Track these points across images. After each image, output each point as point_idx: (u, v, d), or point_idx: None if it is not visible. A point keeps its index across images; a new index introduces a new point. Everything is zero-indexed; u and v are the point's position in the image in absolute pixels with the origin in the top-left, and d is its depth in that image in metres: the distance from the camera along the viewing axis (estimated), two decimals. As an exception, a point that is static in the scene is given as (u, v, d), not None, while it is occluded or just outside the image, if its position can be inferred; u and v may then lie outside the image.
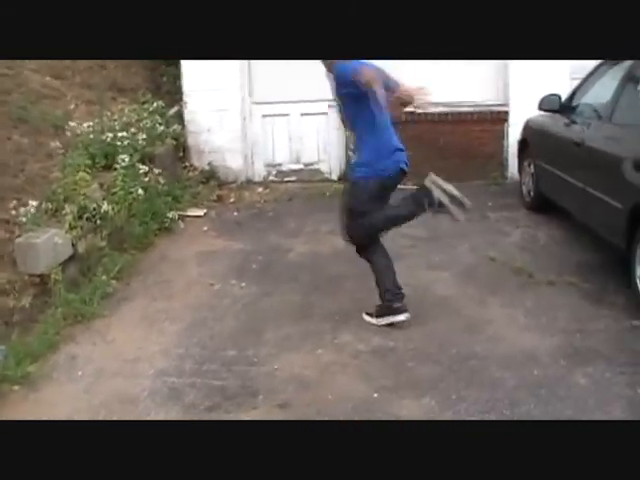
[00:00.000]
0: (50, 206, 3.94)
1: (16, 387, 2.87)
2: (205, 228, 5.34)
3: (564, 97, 4.82)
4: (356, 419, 2.59)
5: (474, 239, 4.82)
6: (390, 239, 3.66)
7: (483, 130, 6.42)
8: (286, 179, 6.82)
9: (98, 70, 6.37)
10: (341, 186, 6.91)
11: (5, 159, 4.30)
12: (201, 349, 3.23)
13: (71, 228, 3.85)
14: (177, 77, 6.54)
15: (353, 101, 3.01)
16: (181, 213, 5.44)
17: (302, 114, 6.54)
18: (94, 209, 4.15)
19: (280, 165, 6.84)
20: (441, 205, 3.21)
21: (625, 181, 3.50)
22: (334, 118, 5.77)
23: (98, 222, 4.18)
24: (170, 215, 5.17)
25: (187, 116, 6.48)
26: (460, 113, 6.36)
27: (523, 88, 6.04)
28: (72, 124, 5.06)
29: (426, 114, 6.09)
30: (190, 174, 6.35)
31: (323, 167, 6.88)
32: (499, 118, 6.40)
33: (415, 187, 3.34)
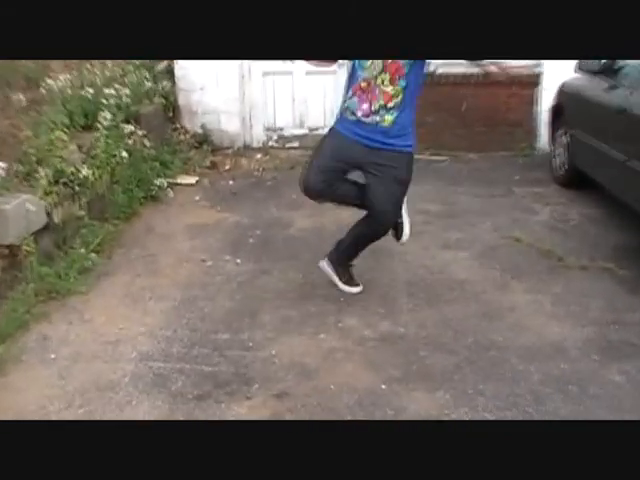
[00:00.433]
0: (21, 169, 3.88)
1: (-19, 370, 2.87)
2: (197, 198, 5.33)
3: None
4: (361, 412, 2.59)
5: (497, 217, 4.80)
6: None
7: (511, 94, 6.33)
8: (288, 145, 6.78)
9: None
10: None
11: (-31, 114, 4.27)
12: (190, 331, 3.23)
13: (45, 194, 3.81)
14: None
15: (421, 70, 3.05)
16: (170, 180, 5.43)
17: (307, 73, 6.38)
18: (72, 173, 4.11)
19: (282, 130, 6.80)
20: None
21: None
22: (343, 78, 5.71)
23: (76, 188, 4.14)
24: (157, 182, 5.15)
25: (178, 72, 6.41)
26: (486, 75, 6.27)
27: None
28: (47, 78, 5.01)
29: (447, 75, 6.04)
30: (181, 137, 6.32)
31: (329, 133, 6.81)
32: (530, 81, 6.30)
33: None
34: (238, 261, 4.09)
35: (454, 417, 2.56)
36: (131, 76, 5.66)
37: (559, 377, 2.83)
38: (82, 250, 3.94)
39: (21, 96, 4.65)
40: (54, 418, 2.55)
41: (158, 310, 3.45)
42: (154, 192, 5.09)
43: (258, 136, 6.79)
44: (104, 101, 4.91)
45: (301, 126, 6.76)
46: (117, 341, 3.14)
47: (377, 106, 3.06)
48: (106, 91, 5.03)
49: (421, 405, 2.64)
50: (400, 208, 3.37)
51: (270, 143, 6.80)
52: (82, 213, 4.20)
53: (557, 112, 5.54)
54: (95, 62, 5.68)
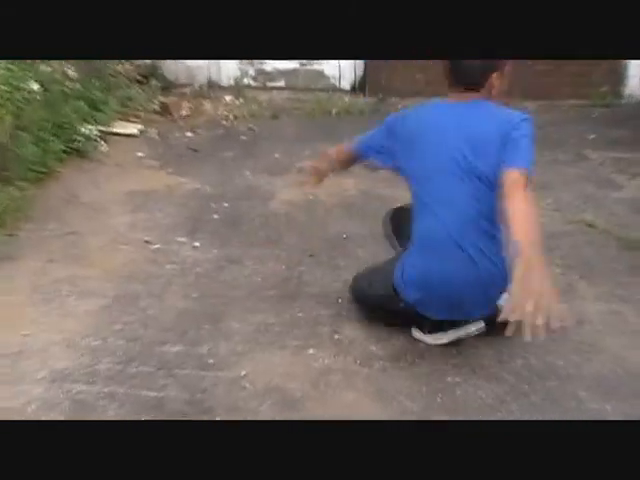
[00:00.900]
0: None
1: None
2: (140, 154, 5.31)
3: None
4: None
5: (562, 192, 4.80)
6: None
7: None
8: (270, 84, 6.77)
9: None
10: (356, 100, 6.98)
11: None
12: (127, 341, 3.23)
13: None
14: None
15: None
16: (103, 129, 5.42)
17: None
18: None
19: (261, 62, 6.77)
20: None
21: None
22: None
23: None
24: (84, 130, 5.13)
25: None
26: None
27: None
28: None
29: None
30: (119, 68, 6.28)
31: (329, 69, 6.83)
32: None
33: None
34: (197, 244, 4.09)
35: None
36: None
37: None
38: (-27, 223, 3.93)
39: None
40: None
41: (81, 311, 3.44)
42: (79, 144, 5.08)
43: (228, 70, 6.78)
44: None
45: (289, 57, 6.74)
46: (19, 353, 3.13)
47: None
48: None
49: (448, 451, 2.64)
50: None
51: (245, 81, 6.78)
52: (-26, 170, 4.18)
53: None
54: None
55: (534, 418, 2.80)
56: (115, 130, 5.56)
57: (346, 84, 6.82)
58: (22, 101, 4.55)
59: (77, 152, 5.07)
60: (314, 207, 4.56)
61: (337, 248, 4.09)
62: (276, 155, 5.36)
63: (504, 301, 2.82)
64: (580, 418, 2.81)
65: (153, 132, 5.70)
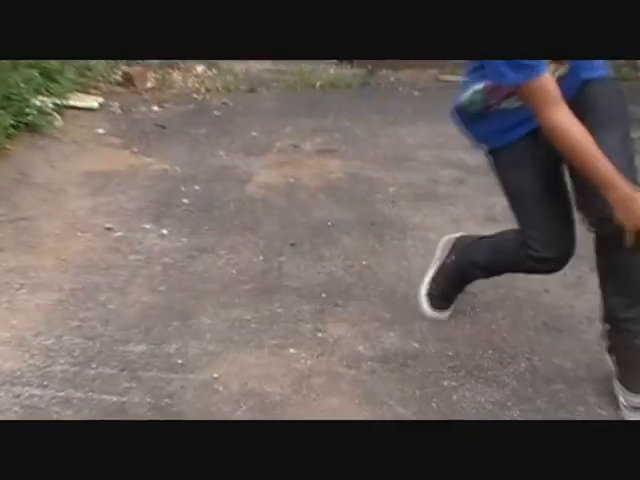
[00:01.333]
0: None
1: None
2: (101, 131, 5.30)
3: None
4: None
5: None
6: (424, 169, 3.64)
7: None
8: (246, 53, 6.75)
9: None
10: (343, 72, 6.96)
11: None
12: (85, 340, 3.21)
13: None
14: None
15: None
16: (58, 101, 5.38)
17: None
18: None
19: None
20: None
21: None
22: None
23: None
24: (37, 103, 5.10)
25: None
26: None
27: None
28: None
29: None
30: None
31: (313, 36, 6.82)
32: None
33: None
34: (164, 232, 4.09)
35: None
36: None
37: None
38: None
39: None
40: None
41: (33, 306, 3.43)
42: (31, 118, 5.04)
43: (200, 37, 6.75)
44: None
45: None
46: (-37, 352, 3.13)
47: None
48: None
49: (444, 462, 2.66)
50: None
51: (219, 49, 6.76)
52: None
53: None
54: None
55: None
56: (72, 103, 5.53)
57: (332, 54, 6.84)
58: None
59: (28, 127, 5.02)
60: (295, 191, 4.57)
61: (321, 236, 4.10)
62: (253, 133, 5.35)
63: None
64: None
65: (115, 106, 5.68)
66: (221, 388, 2.96)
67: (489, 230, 4.14)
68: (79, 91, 5.70)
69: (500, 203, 4.37)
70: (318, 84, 6.35)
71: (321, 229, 4.17)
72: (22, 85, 5.07)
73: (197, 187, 4.57)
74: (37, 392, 2.91)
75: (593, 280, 3.70)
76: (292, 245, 4.00)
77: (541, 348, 3.25)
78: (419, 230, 4.09)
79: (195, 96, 6.02)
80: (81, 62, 5.97)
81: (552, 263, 3.03)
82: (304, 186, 4.60)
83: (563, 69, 2.94)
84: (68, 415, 2.80)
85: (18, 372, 3.01)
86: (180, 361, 3.11)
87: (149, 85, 6.10)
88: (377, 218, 4.20)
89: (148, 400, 2.89)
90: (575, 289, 3.68)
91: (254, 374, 3.04)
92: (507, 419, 2.84)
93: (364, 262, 3.81)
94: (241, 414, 2.84)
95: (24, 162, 4.72)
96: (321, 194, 4.55)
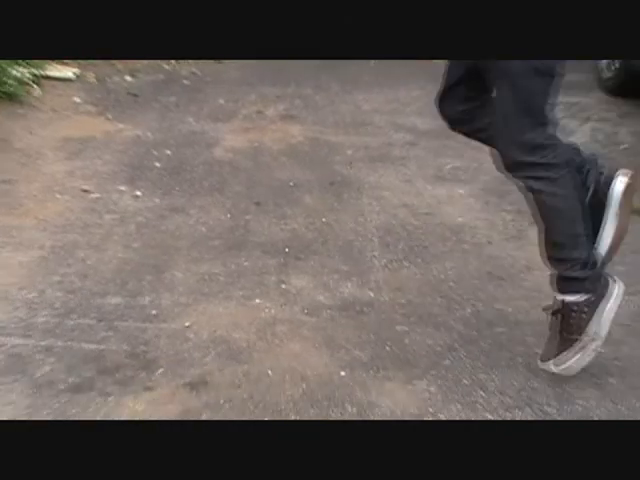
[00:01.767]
0: None
1: None
2: (77, 100, 5.23)
3: None
4: (311, 409, 2.60)
5: (513, 137, 4.82)
6: (379, 133, 3.65)
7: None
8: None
9: None
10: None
11: None
12: (65, 293, 3.19)
13: None
14: None
15: None
16: (35, 72, 5.30)
17: None
18: None
19: None
20: None
21: None
22: None
23: None
24: (15, 73, 5.03)
25: None
26: None
27: None
28: None
29: None
30: (53, 7, 6.16)
31: None
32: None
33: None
34: (138, 193, 4.06)
35: (442, 417, 2.60)
36: None
37: (593, 366, 2.86)
38: None
39: None
40: None
41: (16, 262, 3.40)
42: (10, 88, 4.98)
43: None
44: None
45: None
46: (-49, 308, 3.10)
47: None
48: None
49: (396, 400, 2.66)
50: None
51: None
52: None
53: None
54: None
55: (480, 365, 2.85)
56: (49, 74, 5.45)
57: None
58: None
59: (8, 96, 4.95)
60: (260, 154, 4.55)
61: (284, 196, 4.09)
62: (220, 100, 5.32)
63: None
64: (524, 363, 2.84)
65: (90, 76, 5.61)
66: (192, 336, 2.96)
67: (439, 189, 4.18)
68: (56, 63, 5.62)
69: (449, 166, 4.42)
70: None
71: (284, 189, 4.17)
72: (1, 56, 5.00)
73: (168, 151, 4.54)
74: (20, 342, 2.89)
75: (532, 234, 3.73)
76: (257, 204, 3.98)
77: (485, 295, 3.28)
78: (374, 189, 4.09)
79: (165, 67, 5.96)
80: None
81: None
82: (268, 150, 4.59)
83: None
84: (50, 362, 2.78)
85: (2, 323, 2.99)
86: (154, 312, 3.10)
87: (122, 55, 6.03)
88: (336, 178, 4.20)
89: (124, 348, 2.88)
90: (516, 241, 3.71)
91: (222, 323, 3.05)
92: (454, 360, 2.87)
93: (324, 219, 3.82)
94: (211, 359, 2.84)
95: (4, 129, 4.65)
96: (284, 157, 4.54)
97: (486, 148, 4.58)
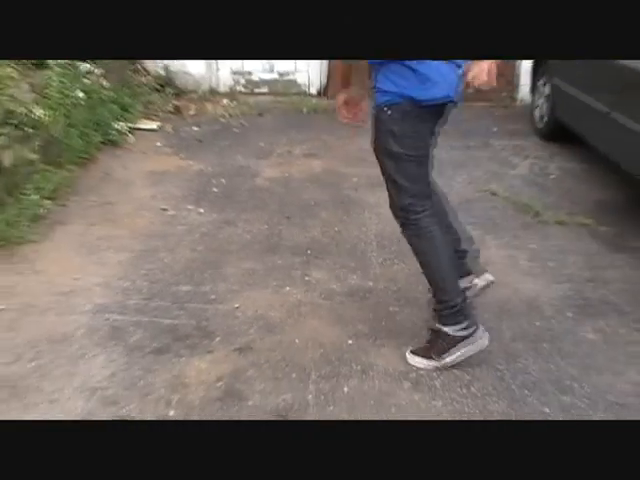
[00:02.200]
0: (-36, 108, 3.75)
1: None
2: (158, 144, 5.21)
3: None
4: (327, 367, 2.58)
5: (473, 170, 4.77)
6: (377, 166, 3.56)
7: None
8: (256, 90, 6.66)
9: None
10: (321, 101, 6.92)
11: None
12: (150, 283, 3.17)
13: (-6, 135, 3.68)
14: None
15: None
16: (130, 125, 5.30)
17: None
18: (25, 115, 3.98)
19: (250, 74, 6.66)
20: None
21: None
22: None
23: (28, 130, 4.01)
24: (117, 126, 5.02)
25: (139, 8, 6.22)
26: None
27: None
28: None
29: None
30: (142, 79, 6.16)
31: (300, 78, 6.72)
32: (512, 28, 6.26)
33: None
34: (201, 211, 4.02)
35: (422, 374, 2.56)
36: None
37: (532, 334, 2.84)
38: (35, 196, 3.82)
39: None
40: (1, 372, 2.50)
41: (115, 261, 3.38)
42: (113, 137, 4.96)
43: (225, 80, 6.64)
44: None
45: (270, 70, 6.64)
46: (71, 292, 3.07)
47: None
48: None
49: (389, 361, 2.64)
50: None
51: (237, 88, 6.66)
52: (35, 157, 4.06)
53: (539, 61, 5.48)
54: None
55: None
56: (139, 126, 5.44)
57: (313, 90, 6.72)
58: (71, 105, 4.45)
59: (111, 143, 4.95)
60: (289, 182, 4.51)
61: (307, 212, 4.03)
62: (261, 143, 5.29)
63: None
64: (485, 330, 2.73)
65: (168, 127, 5.60)
66: (240, 314, 2.94)
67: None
68: (144, 118, 5.62)
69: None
70: (305, 110, 6.25)
71: (307, 207, 4.11)
72: (107, 115, 5.00)
73: (223, 180, 4.51)
74: (119, 317, 2.89)
75: (488, 239, 3.69)
76: (287, 218, 3.93)
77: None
78: (373, 207, 4.03)
79: (221, 119, 5.93)
80: (145, 98, 5.89)
81: None
82: (295, 178, 4.55)
83: None
84: (139, 332, 2.78)
85: (106, 304, 2.99)
86: (213, 296, 3.08)
87: (191, 112, 6.00)
88: (345, 199, 4.16)
89: (192, 322, 2.87)
90: (478, 245, 3.64)
91: (262, 305, 3.02)
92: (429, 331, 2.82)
93: (336, 228, 3.77)
94: (254, 331, 2.82)
95: (108, 166, 4.65)
96: (307, 183, 4.50)
97: (456, 177, 4.58)
